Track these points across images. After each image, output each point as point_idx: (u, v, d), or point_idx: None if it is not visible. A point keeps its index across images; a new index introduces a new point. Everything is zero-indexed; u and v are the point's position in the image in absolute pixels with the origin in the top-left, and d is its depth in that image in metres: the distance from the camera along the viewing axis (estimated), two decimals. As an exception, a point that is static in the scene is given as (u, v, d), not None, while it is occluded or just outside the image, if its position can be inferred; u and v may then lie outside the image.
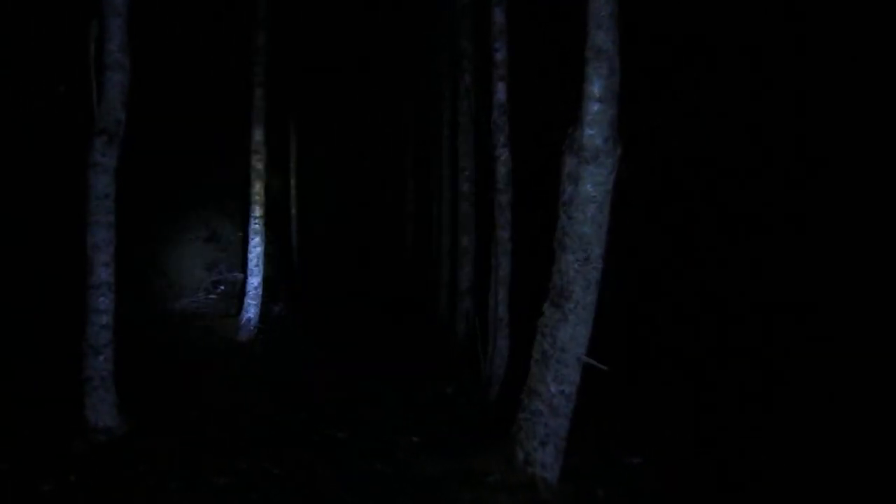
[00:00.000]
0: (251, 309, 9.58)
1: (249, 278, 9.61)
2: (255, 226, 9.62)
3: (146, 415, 5.28)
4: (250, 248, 9.61)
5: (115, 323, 5.00)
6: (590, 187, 3.73)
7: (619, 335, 5.77)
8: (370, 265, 21.86)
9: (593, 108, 3.72)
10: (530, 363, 3.97)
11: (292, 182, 16.75)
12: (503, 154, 5.83)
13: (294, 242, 16.86)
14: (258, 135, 9.61)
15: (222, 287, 12.33)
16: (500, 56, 5.87)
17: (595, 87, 3.71)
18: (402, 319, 10.86)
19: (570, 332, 3.74)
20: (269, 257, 10.11)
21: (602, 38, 3.66)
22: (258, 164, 9.62)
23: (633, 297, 7.22)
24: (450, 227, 10.38)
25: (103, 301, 4.84)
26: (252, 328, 9.58)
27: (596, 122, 3.72)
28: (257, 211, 9.63)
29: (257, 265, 9.63)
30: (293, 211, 16.92)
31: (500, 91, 5.87)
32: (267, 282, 10.25)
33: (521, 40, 6.06)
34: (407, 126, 15.42)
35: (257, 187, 9.63)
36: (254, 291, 9.60)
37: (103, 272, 4.84)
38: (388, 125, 18.20)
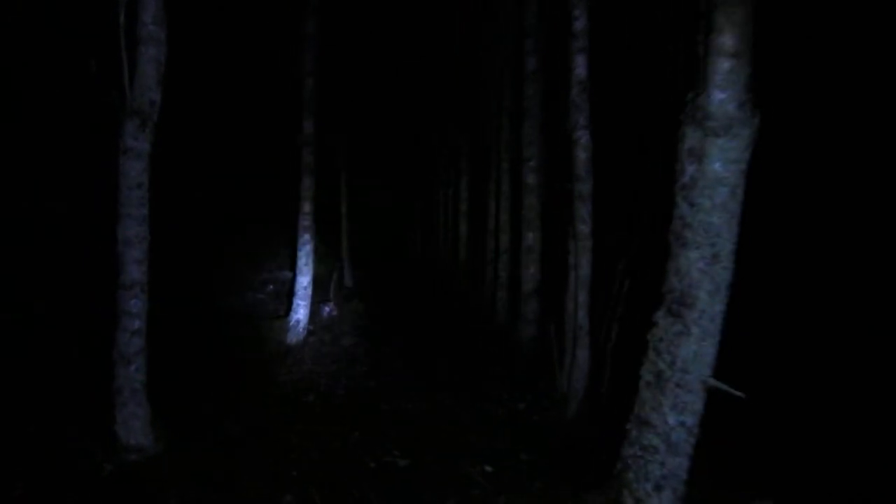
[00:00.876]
0: (300, 310, 9.02)
1: (298, 277, 9.05)
2: (305, 222, 9.05)
3: (183, 430, 4.70)
4: (299, 245, 9.05)
5: (153, 326, 4.46)
6: (719, 166, 2.90)
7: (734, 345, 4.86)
8: (422, 265, 21.28)
9: (724, 65, 2.89)
10: (639, 386, 3.16)
11: (342, 179, 16.25)
12: (583, 137, 5.01)
13: (343, 241, 16.37)
14: (308, 127, 9.04)
15: (271, 286, 11.86)
16: (579, 25, 5.06)
17: (726, 39, 2.87)
18: (458, 322, 10.12)
19: (693, 349, 2.92)
20: (318, 256, 9.54)
21: (737, -28, 2.83)
22: (308, 157, 9.05)
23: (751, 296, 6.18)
24: (509, 223, 9.59)
25: (135, 303, 4.26)
26: (301, 330, 9.01)
27: (728, 84, 2.88)
28: (307, 207, 9.06)
29: (307, 263, 9.06)
30: (343, 209, 16.45)
31: (581, 65, 5.05)
32: (316, 281, 9.69)
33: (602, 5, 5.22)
34: (461, 120, 14.66)
35: (307, 182, 9.06)
36: (303, 291, 9.03)
37: (135, 270, 4.26)
38: (442, 119, 17.49)
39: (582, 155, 5.01)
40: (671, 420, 2.95)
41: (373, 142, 19.26)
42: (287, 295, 10.40)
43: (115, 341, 4.27)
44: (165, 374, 5.82)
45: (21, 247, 6.87)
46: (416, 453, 4.30)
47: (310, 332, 9.26)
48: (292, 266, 9.44)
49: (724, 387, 2.92)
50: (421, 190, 22.37)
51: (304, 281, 9.04)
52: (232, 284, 10.89)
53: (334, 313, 11.55)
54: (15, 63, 7.20)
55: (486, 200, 11.60)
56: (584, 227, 4.96)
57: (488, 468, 4.05)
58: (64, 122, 7.07)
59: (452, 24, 14.42)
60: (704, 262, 2.91)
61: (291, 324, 8.99)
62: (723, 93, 2.89)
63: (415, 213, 23.16)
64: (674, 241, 3.05)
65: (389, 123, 19.55)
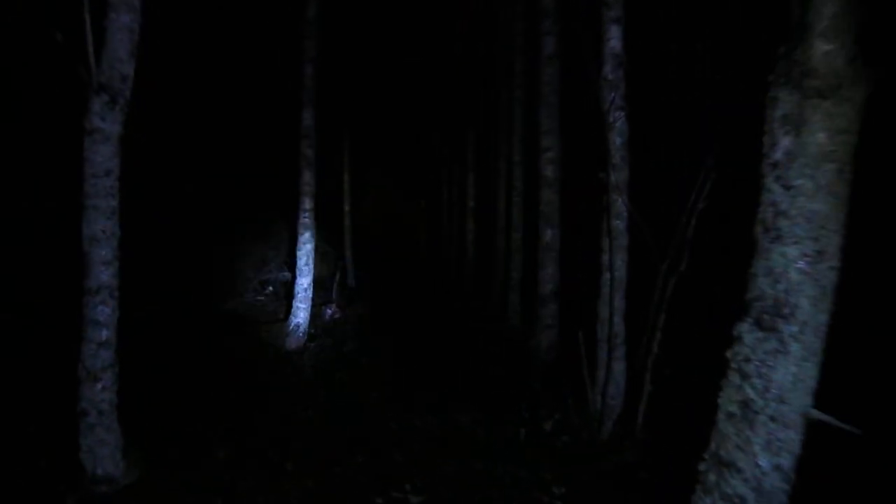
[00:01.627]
0: (300, 313, 8.37)
1: (298, 279, 8.40)
2: (305, 219, 8.40)
3: (163, 454, 4.06)
4: (299, 244, 8.39)
5: (137, 332, 3.82)
6: (823, 137, 2.24)
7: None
8: (426, 264, 20.62)
9: (828, 9, 2.24)
10: (717, 418, 2.49)
11: (345, 176, 15.60)
12: (618, 119, 4.35)
13: (347, 240, 15.72)
14: (308, 118, 8.39)
15: (270, 287, 11.21)
16: (613, -10, 4.40)
17: (832, -23, 2.22)
18: (467, 326, 9.46)
19: (791, 372, 2.26)
20: (320, 255, 8.90)
21: None
22: (308, 150, 8.39)
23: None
24: (522, 220, 8.93)
25: (102, 311, 3.61)
26: (301, 335, 8.37)
27: (836, 32, 2.23)
28: (307, 203, 8.40)
29: (307, 264, 8.40)
30: (346, 207, 15.79)
31: (614, 36, 4.38)
32: (318, 282, 9.06)
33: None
34: (467, 113, 14.00)
35: (307, 177, 8.40)
36: (303, 293, 8.38)
37: (102, 272, 3.61)
38: (447, 112, 16.81)
39: (617, 140, 4.34)
40: (763, 462, 2.29)
41: (375, 137, 18.59)
42: (287, 296, 9.78)
43: (80, 355, 3.62)
44: (148, 387, 5.20)
45: (20, 247, 6.30)
46: (429, 487, 3.64)
47: (310, 337, 8.62)
48: (293, 266, 8.80)
49: (833, 420, 2.26)
50: (425, 187, 21.71)
51: (304, 282, 8.38)
52: (229, 286, 10.25)
53: (337, 316, 10.91)
54: (14, 61, 6.64)
55: (495, 196, 10.94)
56: (619, 223, 4.30)
57: (517, 508, 3.38)
58: (63, 118, 6.47)
59: (458, 10, 13.73)
60: (806, 261, 2.25)
61: (291, 328, 8.34)
62: (828, 44, 2.23)
63: (419, 210, 22.51)
64: (762, 234, 2.39)
65: (392, 117, 18.89)
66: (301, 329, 8.36)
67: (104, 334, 3.61)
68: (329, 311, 10.70)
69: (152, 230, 8.00)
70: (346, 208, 16.02)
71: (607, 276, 4.41)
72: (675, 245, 4.08)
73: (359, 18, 13.98)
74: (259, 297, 10.87)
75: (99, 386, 3.60)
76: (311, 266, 8.48)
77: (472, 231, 13.76)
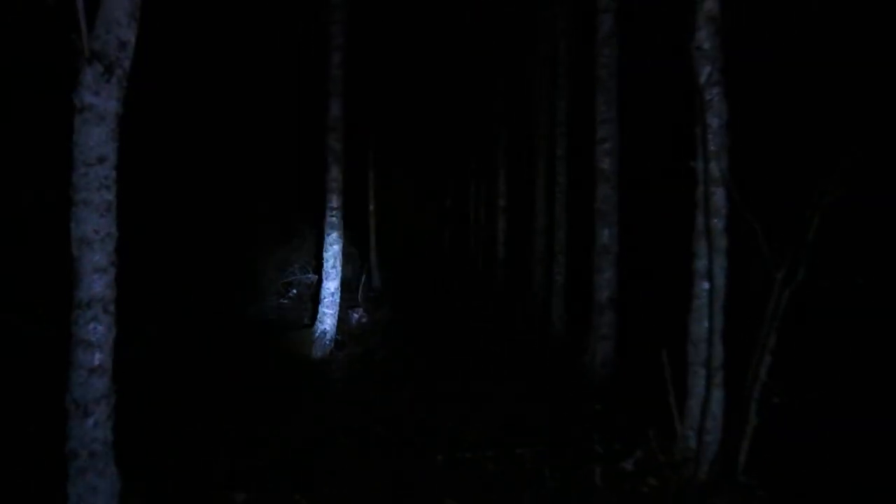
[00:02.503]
0: (327, 319, 7.66)
1: (325, 282, 7.69)
2: (332, 219, 7.69)
3: (170, 498, 3.35)
4: (326, 245, 7.69)
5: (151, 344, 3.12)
6: None
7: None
8: (452, 266, 19.89)
9: None
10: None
11: (369, 174, 14.91)
12: (715, 97, 3.54)
13: (372, 240, 15.03)
14: (335, 109, 7.68)
15: (294, 290, 10.53)
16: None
17: None
18: (503, 333, 8.68)
19: None
20: (344, 256, 8.18)
21: None
22: (335, 143, 7.68)
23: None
24: (566, 219, 8.13)
25: (95, 329, 2.91)
26: (328, 343, 7.66)
27: None
28: (334, 201, 7.70)
29: (334, 266, 7.70)
30: (371, 207, 15.10)
31: (710, -5, 3.59)
32: (344, 285, 8.38)
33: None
34: (499, 107, 13.21)
35: (334, 172, 7.69)
36: (330, 298, 7.67)
37: (96, 282, 2.91)
38: (476, 107, 16.03)
39: (714, 122, 3.54)
40: None
41: (400, 135, 17.84)
42: (312, 299, 9.10)
43: (69, 383, 2.92)
44: (157, 413, 4.53)
45: (21, 243, 5.73)
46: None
47: (337, 344, 7.91)
48: (318, 268, 8.09)
49: None
50: (450, 186, 20.95)
51: (331, 286, 7.68)
52: (250, 289, 9.59)
53: (364, 320, 10.19)
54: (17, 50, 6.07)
55: (533, 194, 10.14)
56: (717, 222, 3.50)
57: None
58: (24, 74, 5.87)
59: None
60: None
61: (317, 335, 7.64)
62: None
63: (444, 210, 21.75)
64: None
65: (418, 115, 18.09)
66: (328, 336, 7.66)
67: (97, 358, 2.91)
68: (356, 316, 10.00)
69: (164, 230, 7.39)
70: (371, 207, 15.36)
71: (704, 285, 3.60)
72: (793, 249, 3.26)
73: (383, 11, 13.29)
74: (282, 301, 10.20)
75: (90, 421, 2.89)
76: (339, 269, 7.77)
77: (503, 231, 12.97)
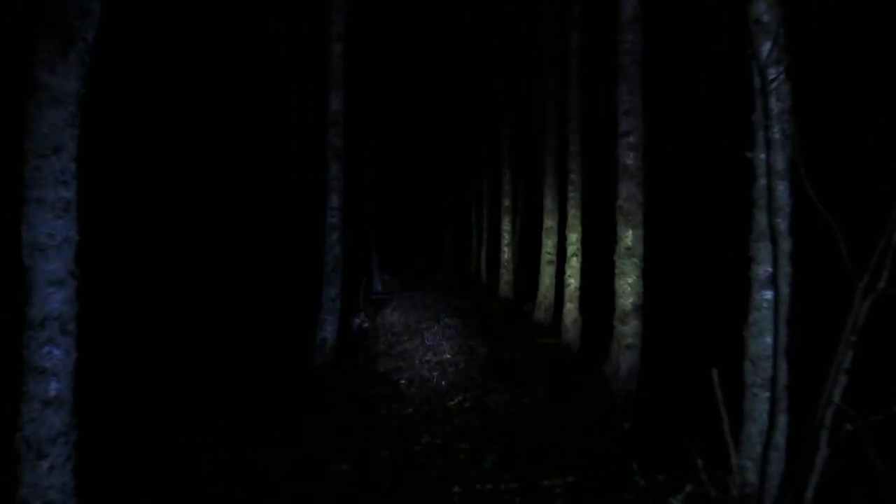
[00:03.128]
0: (327, 326, 7.16)
1: (325, 288, 7.18)
2: (333, 220, 7.18)
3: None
4: (326, 247, 7.18)
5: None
6: None
7: None
8: (453, 267, 19.39)
9: None
10: None
11: (368, 171, 14.40)
12: (777, 78, 3.04)
13: (372, 242, 14.54)
14: (336, 103, 7.17)
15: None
16: None
17: None
18: (510, 336, 8.16)
19: None
20: (346, 256, 7.66)
21: None
22: (336, 139, 7.17)
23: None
24: (581, 218, 7.62)
25: (50, 354, 2.40)
26: (328, 351, 7.16)
27: None
28: (335, 200, 7.19)
29: (334, 270, 7.19)
30: (371, 206, 14.61)
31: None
32: (345, 287, 7.88)
33: None
34: (502, 102, 12.67)
35: (334, 170, 7.18)
36: (330, 304, 7.16)
37: (52, 298, 2.40)
38: (475, 108, 15.51)
39: (776, 106, 3.03)
40: None
41: (400, 131, 17.25)
42: (310, 304, 8.58)
43: (20, 418, 2.41)
44: (130, 435, 4.02)
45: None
46: None
47: (338, 353, 7.41)
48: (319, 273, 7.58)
49: None
50: (452, 184, 20.40)
51: (331, 292, 7.17)
52: (246, 295, 9.09)
53: (365, 325, 9.69)
54: None
55: (541, 193, 9.63)
56: (781, 222, 3.00)
57: None
58: None
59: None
60: None
61: (318, 342, 7.13)
62: None
63: (445, 209, 21.20)
64: None
65: (418, 110, 17.50)
66: (329, 344, 7.15)
67: (52, 388, 2.40)
68: (357, 322, 9.49)
69: (151, 229, 6.90)
70: (372, 207, 14.85)
71: (765, 294, 3.09)
72: (880, 253, 2.75)
73: (385, 5, 12.79)
74: (281, 300, 9.70)
75: (45, 465, 2.38)
76: (340, 273, 7.26)
77: (508, 232, 12.45)
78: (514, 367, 6.64)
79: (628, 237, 5.45)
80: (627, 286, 5.45)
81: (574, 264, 7.55)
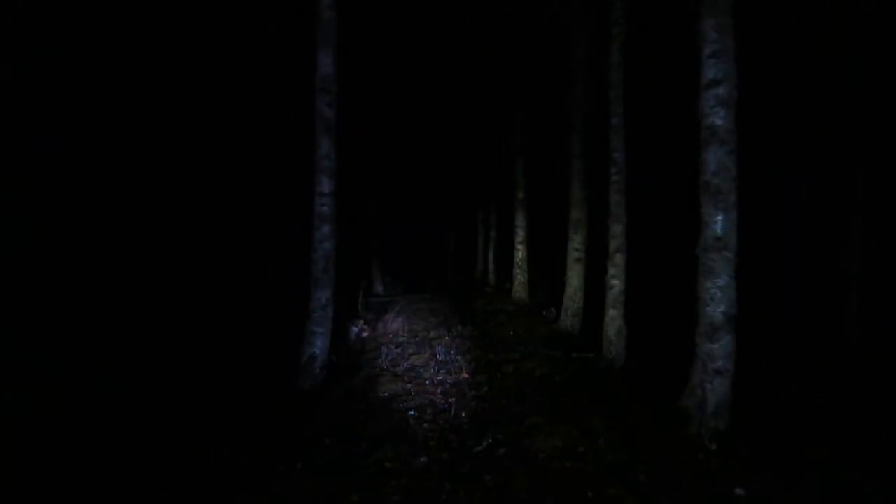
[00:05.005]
0: (316, 340, 5.60)
1: (315, 291, 5.63)
2: (323, 208, 5.63)
3: None
4: (315, 241, 5.63)
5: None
6: None
7: None
8: (457, 267, 17.79)
9: None
10: None
11: (369, 167, 12.83)
12: None
13: (374, 242, 12.95)
14: (326, 64, 5.63)
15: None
16: None
17: None
18: (539, 352, 6.62)
19: None
20: (342, 254, 6.11)
21: None
22: (326, 109, 5.63)
23: None
24: (627, 205, 6.08)
25: None
26: (318, 370, 5.60)
27: None
28: (325, 184, 5.64)
29: (326, 270, 5.63)
30: (372, 203, 13.05)
31: None
32: (342, 290, 6.36)
33: None
34: (513, 76, 11.09)
35: (325, 146, 5.64)
36: (320, 313, 5.61)
37: None
38: (482, 91, 13.92)
39: None
40: None
41: (400, 120, 15.54)
42: (296, 310, 7.03)
43: None
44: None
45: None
46: None
47: (331, 371, 5.87)
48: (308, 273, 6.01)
49: None
50: (454, 181, 18.74)
51: (321, 297, 5.61)
52: (230, 300, 7.52)
53: (365, 334, 8.12)
54: None
55: (567, 180, 8.07)
56: None
57: None
58: None
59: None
60: None
61: (304, 360, 5.58)
62: None
63: (448, 206, 19.52)
64: None
65: (419, 95, 15.73)
66: (318, 362, 5.60)
67: None
68: (355, 330, 7.92)
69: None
70: (372, 204, 13.29)
71: None
72: None
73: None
74: (271, 311, 8.13)
75: None
76: (332, 273, 5.71)
77: (522, 229, 10.90)
78: (553, 391, 5.08)
79: (718, 224, 3.91)
80: (717, 290, 3.90)
81: (618, 262, 6.01)
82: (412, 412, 4.81)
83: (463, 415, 4.74)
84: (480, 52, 12.47)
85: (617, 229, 6.04)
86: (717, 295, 3.89)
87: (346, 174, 6.19)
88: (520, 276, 10.81)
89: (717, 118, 3.90)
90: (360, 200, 12.94)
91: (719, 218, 3.89)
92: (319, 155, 5.60)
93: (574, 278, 7.82)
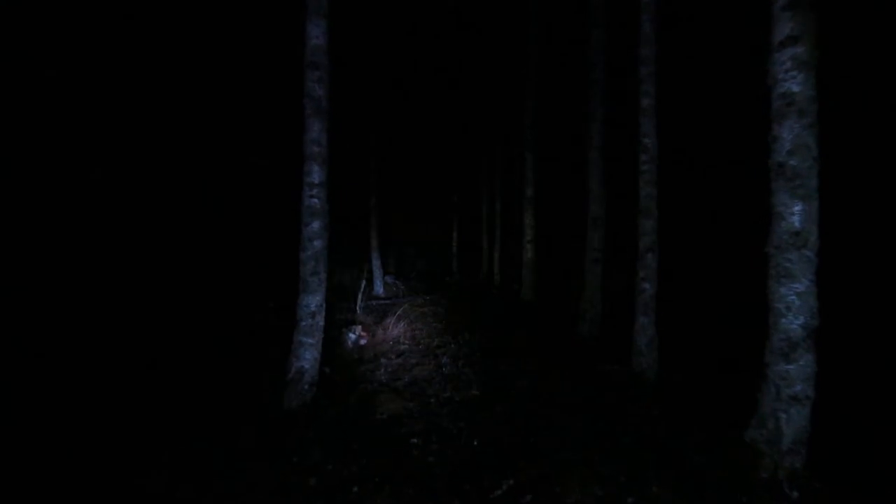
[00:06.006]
0: (305, 352, 4.78)
1: (303, 296, 4.81)
2: (313, 200, 4.82)
3: None
4: (304, 239, 4.82)
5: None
6: None
7: None
8: (461, 266, 16.96)
9: None
10: None
11: (370, 163, 12.00)
12: None
13: (373, 239, 12.10)
14: (316, 34, 4.82)
15: (272, 304, 7.63)
16: None
17: None
18: (559, 364, 5.81)
19: None
20: (340, 257, 5.30)
21: None
22: (316, 86, 4.81)
23: None
24: (656, 201, 5.26)
25: None
26: (307, 387, 4.78)
27: None
28: (315, 174, 4.82)
29: (315, 272, 4.81)
30: (372, 199, 12.20)
31: None
32: (338, 290, 5.57)
33: None
34: (519, 74, 10.31)
35: (315, 130, 4.82)
36: (309, 321, 4.79)
37: None
38: (489, 78, 13.15)
39: None
40: None
41: (402, 112, 14.70)
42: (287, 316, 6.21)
43: None
44: None
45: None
46: None
47: (323, 385, 5.06)
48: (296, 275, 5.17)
49: None
50: (459, 175, 17.91)
51: (311, 302, 4.79)
52: (208, 298, 6.71)
53: (363, 341, 7.31)
54: None
55: (583, 174, 7.26)
56: None
57: None
58: None
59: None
60: None
61: (291, 375, 4.75)
62: None
63: (451, 205, 18.69)
64: None
65: (422, 85, 14.88)
66: (307, 378, 4.78)
67: None
68: (352, 337, 7.10)
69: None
70: (373, 202, 12.48)
71: None
72: None
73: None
74: (258, 316, 7.30)
75: None
76: (324, 275, 4.89)
77: (531, 227, 10.08)
78: (583, 415, 4.26)
79: (795, 216, 3.09)
80: (794, 297, 3.08)
81: (650, 262, 5.19)
82: (415, 440, 4.01)
83: (475, 443, 3.93)
84: (486, 36, 11.67)
85: (647, 225, 5.22)
86: (794, 303, 3.07)
87: (345, 169, 5.40)
88: (528, 277, 9.98)
89: (794, 84, 3.08)
90: (360, 196, 12.16)
91: (797, 208, 3.07)
92: (309, 139, 4.79)
93: (592, 280, 7.01)
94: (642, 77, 5.25)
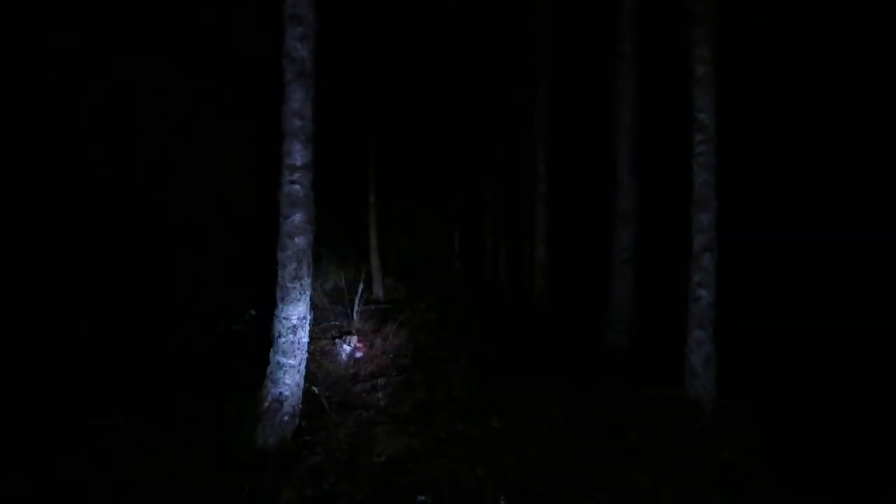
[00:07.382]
0: (285, 375, 3.74)
1: (281, 305, 3.76)
2: (294, 187, 3.77)
3: None
4: (284, 235, 3.77)
5: None
6: None
7: None
8: (466, 266, 15.92)
9: None
10: None
11: (370, 161, 10.94)
12: None
13: (372, 240, 11.04)
14: (299, -16, 3.78)
15: (253, 311, 6.60)
16: None
17: None
18: (594, 386, 4.79)
19: None
20: (336, 258, 4.23)
21: None
22: (298, 45, 3.78)
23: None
24: (714, 189, 4.24)
25: None
26: (287, 418, 3.74)
27: None
28: (297, 154, 3.77)
29: (297, 277, 3.76)
30: (371, 197, 11.15)
31: None
32: (335, 293, 4.50)
33: None
34: (532, 59, 9.28)
35: (297, 100, 3.77)
36: (290, 337, 3.74)
37: None
38: (494, 61, 12.09)
39: None
40: None
41: (403, 108, 13.60)
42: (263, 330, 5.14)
43: None
44: None
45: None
46: None
47: (309, 411, 4.04)
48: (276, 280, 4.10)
49: None
50: (460, 176, 16.81)
51: (293, 313, 3.75)
52: (178, 309, 5.68)
53: (359, 354, 6.27)
54: None
55: (613, 162, 6.22)
56: None
57: None
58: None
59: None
60: None
61: (267, 405, 3.71)
62: None
63: (453, 204, 17.60)
64: None
65: (422, 78, 13.75)
66: (286, 407, 3.74)
67: None
68: (347, 349, 6.06)
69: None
70: (371, 199, 11.45)
71: None
72: None
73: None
74: (236, 327, 6.27)
75: None
76: (307, 281, 3.84)
77: (544, 226, 9.04)
78: (636, 458, 3.23)
79: None
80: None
81: (706, 264, 4.16)
82: (423, 497, 2.97)
83: (502, 502, 2.90)
84: (491, 20, 10.65)
85: (704, 220, 4.19)
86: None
87: (345, 163, 4.38)
88: (540, 281, 8.94)
89: None
90: (358, 192, 11.14)
91: None
92: (289, 111, 3.76)
93: (621, 284, 5.99)
94: (696, 39, 4.22)
